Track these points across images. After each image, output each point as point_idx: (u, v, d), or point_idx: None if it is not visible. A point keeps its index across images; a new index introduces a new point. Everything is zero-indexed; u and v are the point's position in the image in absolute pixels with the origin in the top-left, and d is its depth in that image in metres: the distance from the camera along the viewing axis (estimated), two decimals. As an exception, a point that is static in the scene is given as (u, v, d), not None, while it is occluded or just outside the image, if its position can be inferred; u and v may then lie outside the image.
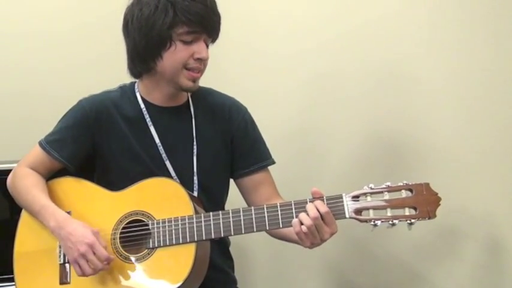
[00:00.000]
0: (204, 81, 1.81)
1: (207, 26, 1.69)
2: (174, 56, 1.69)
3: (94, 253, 1.60)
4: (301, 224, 1.55)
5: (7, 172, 1.83)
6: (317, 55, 2.29)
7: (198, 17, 1.66)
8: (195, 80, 1.74)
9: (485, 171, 1.86)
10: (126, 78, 1.84)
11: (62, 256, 1.71)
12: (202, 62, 1.72)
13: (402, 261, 2.09)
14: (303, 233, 1.55)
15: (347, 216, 1.56)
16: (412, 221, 1.53)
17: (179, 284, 1.59)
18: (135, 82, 1.85)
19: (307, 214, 1.55)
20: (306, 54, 2.33)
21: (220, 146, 1.84)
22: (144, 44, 1.70)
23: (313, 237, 1.56)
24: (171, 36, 1.67)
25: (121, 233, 1.69)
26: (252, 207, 1.63)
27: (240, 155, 1.85)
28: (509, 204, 1.82)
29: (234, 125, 1.84)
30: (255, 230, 1.62)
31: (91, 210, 1.73)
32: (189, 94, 1.84)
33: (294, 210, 1.58)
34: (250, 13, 2.46)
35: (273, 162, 1.88)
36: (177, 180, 1.75)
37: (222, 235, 1.63)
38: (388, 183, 1.56)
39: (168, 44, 1.68)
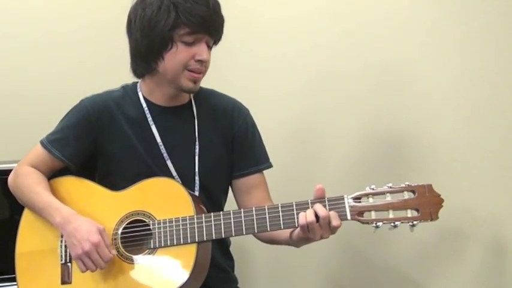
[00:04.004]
0: (205, 82, 1.81)
1: (209, 28, 1.69)
2: (175, 57, 1.69)
3: (98, 252, 1.61)
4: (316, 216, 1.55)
5: (7, 172, 1.83)
6: (317, 56, 2.29)
7: (200, 19, 1.66)
8: (195, 81, 1.74)
9: (487, 171, 1.85)
10: (129, 78, 1.84)
11: (63, 256, 1.71)
12: (203, 63, 1.72)
13: (404, 263, 2.08)
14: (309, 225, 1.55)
15: (348, 217, 1.56)
16: (415, 222, 1.52)
17: (180, 284, 1.59)
18: (138, 82, 1.85)
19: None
20: (305, 55, 2.32)
21: (221, 146, 1.84)
22: (146, 44, 1.70)
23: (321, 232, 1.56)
24: (173, 37, 1.67)
25: (122, 233, 1.69)
26: (253, 208, 1.62)
27: (238, 156, 1.85)
28: (513, 205, 1.82)
29: (236, 126, 1.84)
30: (256, 230, 1.62)
31: (92, 210, 1.73)
32: (192, 94, 1.84)
33: (295, 211, 1.58)
34: (251, 14, 2.46)
35: (270, 166, 1.88)
36: (178, 180, 1.76)
37: (223, 236, 1.63)
38: (390, 185, 1.55)
39: (169, 45, 1.68)
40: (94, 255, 1.61)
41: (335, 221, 1.54)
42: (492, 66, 1.87)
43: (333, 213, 1.55)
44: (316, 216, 1.54)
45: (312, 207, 1.56)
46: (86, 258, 1.62)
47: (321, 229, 1.55)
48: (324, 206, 1.56)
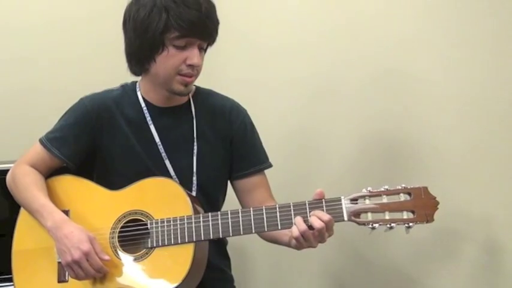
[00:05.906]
0: (204, 81, 1.82)
1: (200, 32, 1.68)
2: (167, 60, 1.69)
3: (88, 260, 1.61)
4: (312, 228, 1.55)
5: (7, 172, 1.82)
6: (315, 55, 2.30)
7: (190, 23, 1.65)
8: (187, 85, 1.73)
9: (483, 172, 1.87)
10: (128, 77, 1.85)
11: (60, 254, 1.71)
12: (195, 68, 1.72)
13: (400, 264, 2.09)
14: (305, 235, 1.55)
15: (345, 218, 1.57)
16: (410, 224, 1.53)
17: (177, 284, 1.59)
18: (137, 81, 1.86)
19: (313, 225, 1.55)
20: (303, 54, 2.33)
21: (220, 147, 1.84)
22: (139, 45, 1.70)
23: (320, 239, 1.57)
24: (164, 41, 1.67)
25: (119, 232, 1.69)
26: (251, 208, 1.63)
27: (238, 157, 1.85)
28: (508, 206, 1.82)
29: (234, 126, 1.85)
30: (253, 231, 1.62)
31: (90, 209, 1.74)
32: (190, 94, 1.84)
33: (292, 212, 1.59)
34: (248, 12, 2.46)
35: (270, 166, 1.89)
36: (176, 180, 1.76)
37: (221, 236, 1.64)
38: (387, 187, 1.56)
39: (160, 48, 1.68)
40: (84, 264, 1.61)
41: (322, 218, 1.54)
42: (491, 65, 1.88)
43: (318, 212, 1.56)
44: (311, 228, 1.55)
45: (309, 216, 1.56)
46: (76, 266, 1.62)
47: (314, 237, 1.56)
48: (322, 209, 1.57)
